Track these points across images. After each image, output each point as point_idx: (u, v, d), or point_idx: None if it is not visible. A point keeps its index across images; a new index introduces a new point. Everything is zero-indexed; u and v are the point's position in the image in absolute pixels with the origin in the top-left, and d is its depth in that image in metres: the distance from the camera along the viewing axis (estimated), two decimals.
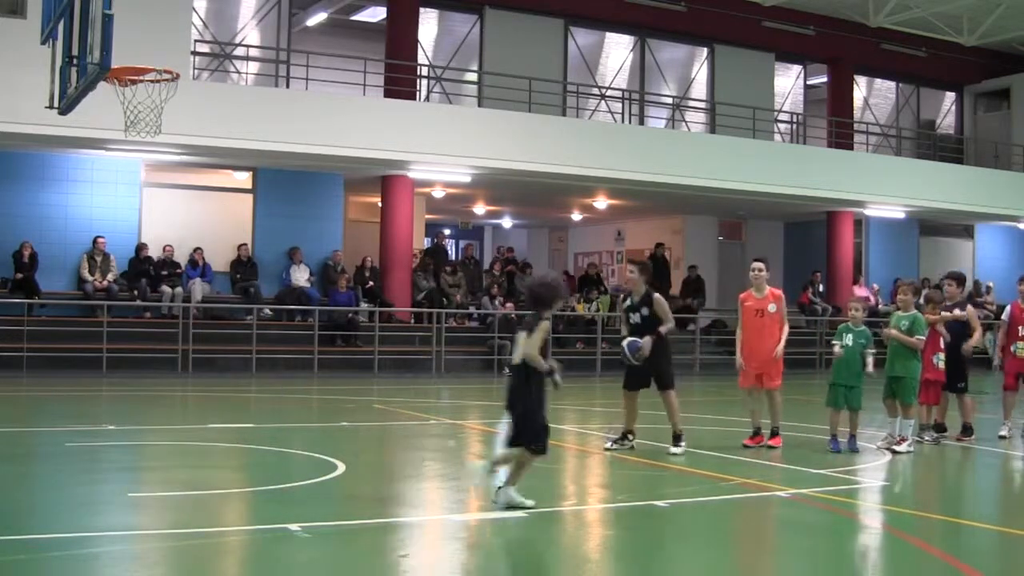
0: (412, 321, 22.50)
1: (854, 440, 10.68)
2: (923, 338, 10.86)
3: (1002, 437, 11.98)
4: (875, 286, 28.37)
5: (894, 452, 10.58)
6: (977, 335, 11.90)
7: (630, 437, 10.44)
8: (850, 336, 10.72)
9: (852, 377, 10.68)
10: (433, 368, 20.99)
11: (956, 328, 11.72)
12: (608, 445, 10.46)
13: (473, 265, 25.90)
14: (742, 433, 11.04)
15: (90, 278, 19.85)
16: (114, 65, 8.87)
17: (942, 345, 11.46)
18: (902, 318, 10.95)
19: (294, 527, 6.56)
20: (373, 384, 18.95)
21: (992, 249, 31.49)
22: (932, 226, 30.46)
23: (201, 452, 10.17)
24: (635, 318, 10.32)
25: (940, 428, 11.82)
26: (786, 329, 10.79)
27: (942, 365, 11.46)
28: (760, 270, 10.91)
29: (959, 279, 12.18)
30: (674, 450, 10.19)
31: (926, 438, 11.55)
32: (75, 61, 9.61)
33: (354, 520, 7.12)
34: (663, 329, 10.20)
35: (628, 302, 10.48)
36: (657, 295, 10.37)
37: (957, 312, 11.80)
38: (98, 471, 9.08)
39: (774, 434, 10.80)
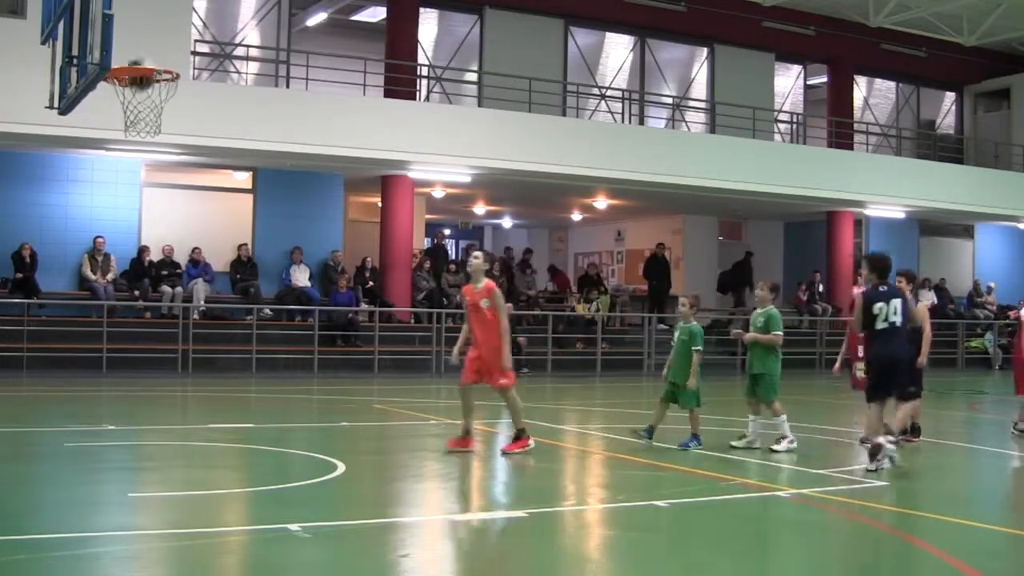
0: (412, 321, 22.50)
1: (694, 439, 10.37)
2: (780, 333, 10.46)
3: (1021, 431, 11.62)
4: None
5: (773, 451, 10.13)
6: (927, 338, 10.98)
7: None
8: (676, 332, 10.68)
9: (679, 374, 10.45)
10: (433, 368, 20.98)
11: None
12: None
13: None
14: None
15: (93, 277, 19.85)
16: (114, 65, 8.87)
17: (860, 353, 10.80)
18: (758, 315, 10.62)
19: (294, 527, 6.57)
20: (373, 384, 18.95)
21: (992, 249, 31.50)
22: (932, 226, 30.46)
23: (201, 452, 10.16)
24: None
25: (915, 429, 11.31)
26: (504, 324, 9.84)
27: (861, 374, 10.80)
28: (476, 257, 10.24)
29: (908, 276, 11.34)
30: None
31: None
32: (75, 61, 9.62)
33: (354, 520, 7.11)
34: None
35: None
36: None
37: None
38: (98, 471, 9.08)
39: (517, 438, 10.07)
